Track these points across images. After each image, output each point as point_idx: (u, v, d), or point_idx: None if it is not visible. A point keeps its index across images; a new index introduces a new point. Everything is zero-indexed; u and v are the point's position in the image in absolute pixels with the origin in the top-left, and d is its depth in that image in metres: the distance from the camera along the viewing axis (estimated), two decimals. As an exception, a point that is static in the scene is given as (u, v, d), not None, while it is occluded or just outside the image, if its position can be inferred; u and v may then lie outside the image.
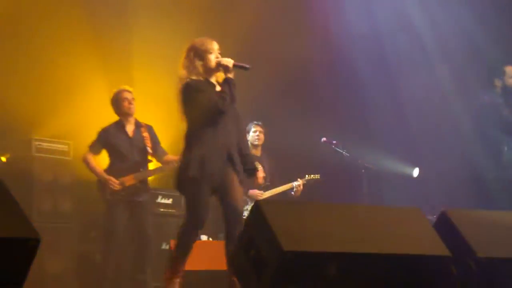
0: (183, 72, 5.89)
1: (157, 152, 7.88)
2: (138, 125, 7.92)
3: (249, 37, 9.30)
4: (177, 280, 5.73)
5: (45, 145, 8.62)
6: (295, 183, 8.59)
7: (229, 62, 5.83)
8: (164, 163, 7.86)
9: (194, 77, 5.84)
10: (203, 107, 5.75)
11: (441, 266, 4.98)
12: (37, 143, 8.59)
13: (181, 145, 5.95)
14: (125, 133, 7.84)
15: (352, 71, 10.27)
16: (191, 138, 5.82)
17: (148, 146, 7.82)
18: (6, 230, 3.50)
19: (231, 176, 5.81)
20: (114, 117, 8.01)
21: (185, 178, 5.74)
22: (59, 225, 8.25)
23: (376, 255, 4.91)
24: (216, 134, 5.78)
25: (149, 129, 7.95)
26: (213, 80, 5.90)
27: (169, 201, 8.69)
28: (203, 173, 5.68)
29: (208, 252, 7.16)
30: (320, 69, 10.20)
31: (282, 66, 9.80)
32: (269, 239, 4.78)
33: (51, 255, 7.97)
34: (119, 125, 7.88)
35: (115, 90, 7.96)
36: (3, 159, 8.48)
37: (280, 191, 8.50)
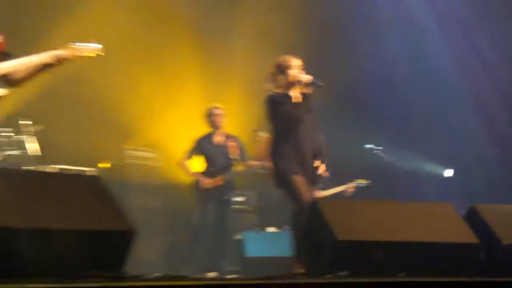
0: (267, 85, 5.94)
1: (243, 158, 8.14)
2: (226, 136, 8.18)
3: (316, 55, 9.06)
4: None
5: (136, 153, 8.88)
6: (348, 185, 8.64)
7: (307, 79, 5.84)
8: (248, 167, 8.12)
9: (276, 90, 5.90)
10: (282, 116, 5.81)
11: (470, 252, 4.98)
12: (130, 151, 8.84)
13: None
14: (215, 142, 8.15)
15: (393, 80, 10.18)
16: (276, 143, 5.87)
17: (234, 154, 8.08)
18: (108, 224, 3.67)
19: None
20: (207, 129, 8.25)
21: (277, 174, 5.81)
22: (149, 219, 8.37)
23: (413, 243, 4.95)
24: (294, 139, 5.80)
25: (236, 139, 8.21)
26: (292, 93, 5.86)
27: (243, 199, 8.80)
28: (289, 169, 5.72)
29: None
30: (367, 79, 10.09)
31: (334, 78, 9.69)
32: (326, 230, 4.89)
33: (145, 244, 8.09)
34: (210, 136, 8.17)
35: (208, 106, 8.22)
36: (104, 165, 8.69)
37: (335, 192, 8.55)
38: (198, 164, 8.17)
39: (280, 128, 5.84)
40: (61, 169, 7.81)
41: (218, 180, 8.00)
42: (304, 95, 5.85)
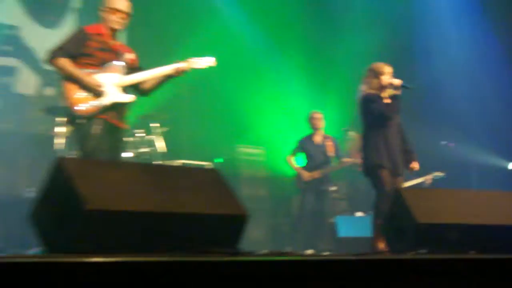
0: (362, 87, 5.97)
1: (338, 155, 8.27)
2: (324, 136, 8.34)
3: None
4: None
5: (246, 150, 9.10)
6: (427, 177, 8.56)
7: (397, 82, 5.80)
8: (342, 163, 8.28)
9: (369, 91, 5.87)
10: (375, 114, 5.79)
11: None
12: (240, 148, 9.08)
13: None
14: (315, 142, 8.34)
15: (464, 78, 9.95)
16: (367, 138, 5.89)
17: (330, 152, 8.23)
18: (226, 209, 3.76)
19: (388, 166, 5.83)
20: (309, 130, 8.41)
21: (367, 166, 5.84)
22: (258, 205, 8.56)
23: (482, 226, 4.83)
24: (384, 135, 5.79)
25: (333, 139, 8.36)
26: (383, 94, 5.89)
27: (336, 188, 8.84)
28: (378, 162, 5.76)
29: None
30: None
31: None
32: (408, 214, 4.89)
33: (254, 226, 8.23)
34: (311, 136, 8.36)
35: (310, 111, 8.45)
36: (221, 160, 8.91)
37: (415, 182, 8.49)
38: (300, 160, 8.40)
39: (373, 124, 5.87)
40: (183, 163, 8.05)
41: (317, 174, 8.16)
42: (393, 97, 5.86)
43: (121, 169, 3.93)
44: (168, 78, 5.07)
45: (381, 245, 5.46)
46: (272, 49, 9.92)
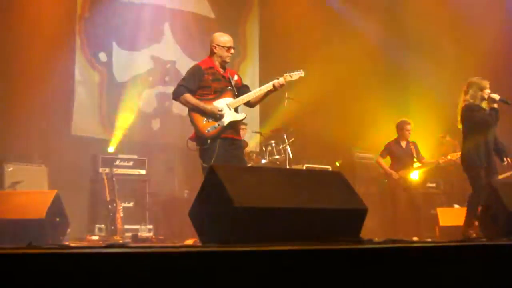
0: (464, 97, 5.79)
1: (419, 157, 7.91)
2: (407, 142, 7.98)
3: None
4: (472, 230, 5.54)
5: (361, 155, 8.90)
6: None
7: (496, 96, 5.64)
8: (423, 164, 7.89)
9: (471, 101, 5.73)
10: (477, 122, 5.66)
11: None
12: (358, 153, 8.87)
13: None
14: (401, 146, 7.97)
15: None
16: (468, 142, 5.74)
17: (413, 154, 7.88)
18: (350, 204, 3.69)
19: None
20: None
21: (469, 165, 5.68)
22: (370, 199, 8.31)
23: None
24: (484, 139, 5.68)
25: (414, 144, 8.00)
26: (484, 105, 5.73)
27: (434, 184, 8.48)
28: (478, 162, 5.63)
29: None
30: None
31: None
32: (500, 204, 4.62)
33: (367, 218, 8.02)
34: (397, 141, 8.01)
35: (399, 120, 8.02)
36: (338, 164, 8.81)
37: (506, 175, 7.91)
38: (388, 161, 8.10)
39: (475, 130, 5.71)
40: (307, 167, 8.01)
41: (403, 173, 7.75)
42: (492, 108, 5.71)
43: (260, 173, 3.93)
44: (269, 93, 5.04)
45: (472, 232, 5.33)
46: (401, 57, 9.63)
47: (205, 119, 4.90)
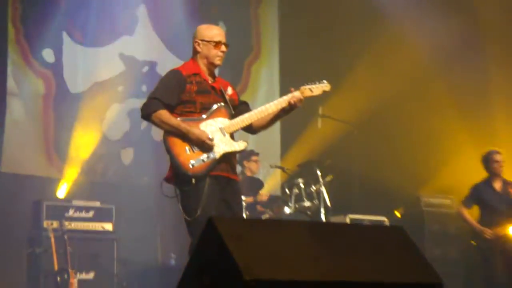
0: None
1: None
2: (505, 182, 7.92)
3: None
4: None
5: (432, 200, 8.85)
6: None
7: None
8: None
9: None
10: None
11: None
12: (425, 198, 8.82)
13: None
14: (494, 189, 7.91)
15: None
16: None
17: None
18: (417, 276, 3.63)
19: None
20: (484, 174, 8.08)
21: None
22: (448, 270, 8.25)
23: None
24: None
25: None
26: None
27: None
28: None
29: None
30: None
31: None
32: None
33: None
34: (488, 183, 7.94)
35: (486, 151, 8.04)
36: (398, 214, 8.79)
37: None
38: (475, 212, 8.04)
39: None
40: (353, 219, 8.00)
41: (501, 230, 7.65)
42: None
43: (283, 229, 3.84)
44: (282, 113, 5.15)
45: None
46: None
47: (188, 147, 4.94)
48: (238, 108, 5.20)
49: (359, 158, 9.26)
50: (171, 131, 4.95)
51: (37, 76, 8.97)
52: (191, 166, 4.88)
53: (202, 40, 5.13)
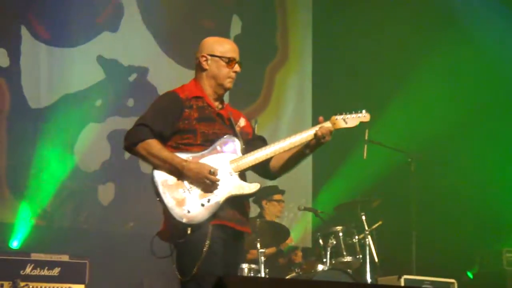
0: None
1: None
2: None
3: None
4: None
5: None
6: None
7: None
8: None
9: None
10: None
11: None
12: (508, 255, 8.75)
13: None
14: None
15: None
16: None
17: None
18: None
19: None
20: None
21: None
22: None
23: None
24: None
25: None
26: None
27: None
28: None
29: None
30: None
31: None
32: None
33: None
34: None
35: None
36: (471, 275, 8.73)
37: None
38: None
39: None
40: (407, 280, 7.99)
41: None
42: None
43: None
44: (308, 150, 5.20)
45: None
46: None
47: (183, 188, 4.99)
48: (251, 143, 5.26)
49: (418, 199, 9.17)
50: (161, 167, 4.98)
51: (-16, 85, 9.03)
52: (186, 213, 4.90)
53: (212, 56, 5.20)
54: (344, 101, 9.67)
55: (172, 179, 4.95)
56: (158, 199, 4.95)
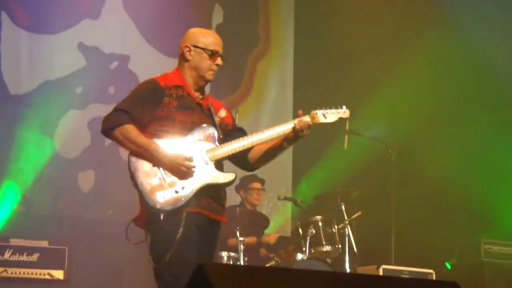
0: None
1: None
2: None
3: None
4: None
5: (495, 248, 8.84)
6: None
7: None
8: None
9: None
10: None
11: None
12: (487, 246, 8.81)
13: None
14: None
15: None
16: None
17: None
18: None
19: None
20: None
21: None
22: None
23: None
24: None
25: None
26: None
27: None
28: None
29: None
30: None
31: None
32: None
33: None
34: None
35: None
36: (449, 266, 8.77)
37: None
38: None
39: None
40: (386, 270, 8.03)
41: None
42: None
43: (290, 282, 3.93)
44: (286, 142, 5.26)
45: None
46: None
47: (159, 175, 5.05)
48: (231, 134, 5.33)
49: (396, 190, 9.20)
50: (138, 152, 5.03)
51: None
52: (160, 199, 4.96)
53: (195, 47, 5.26)
54: (325, 91, 9.71)
55: (147, 165, 5.02)
56: (132, 184, 5.02)
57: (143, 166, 5.01)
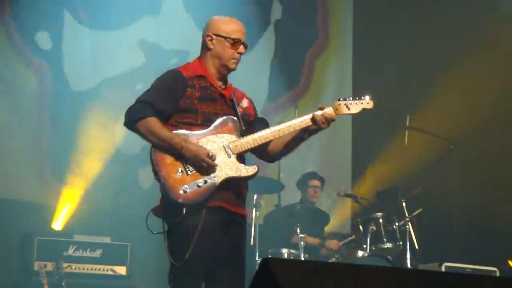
0: None
1: None
2: None
3: None
4: None
5: None
6: None
7: None
8: None
9: None
10: None
11: None
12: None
13: None
14: None
15: None
16: None
17: None
18: None
19: None
20: None
21: None
22: None
23: None
24: None
25: None
26: None
27: None
28: None
29: None
30: None
31: None
32: None
33: None
34: None
35: None
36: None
37: None
38: None
39: None
40: (448, 267, 7.98)
41: None
42: None
43: (353, 277, 3.89)
44: (307, 134, 5.30)
45: None
46: None
47: (181, 168, 5.09)
48: (253, 125, 5.34)
49: (459, 186, 9.23)
50: (160, 145, 5.07)
51: (27, 68, 9.10)
52: (182, 192, 5.00)
53: (217, 35, 5.25)
54: (385, 84, 9.63)
55: (170, 158, 5.05)
56: (155, 177, 5.09)
57: (166, 159, 5.04)
